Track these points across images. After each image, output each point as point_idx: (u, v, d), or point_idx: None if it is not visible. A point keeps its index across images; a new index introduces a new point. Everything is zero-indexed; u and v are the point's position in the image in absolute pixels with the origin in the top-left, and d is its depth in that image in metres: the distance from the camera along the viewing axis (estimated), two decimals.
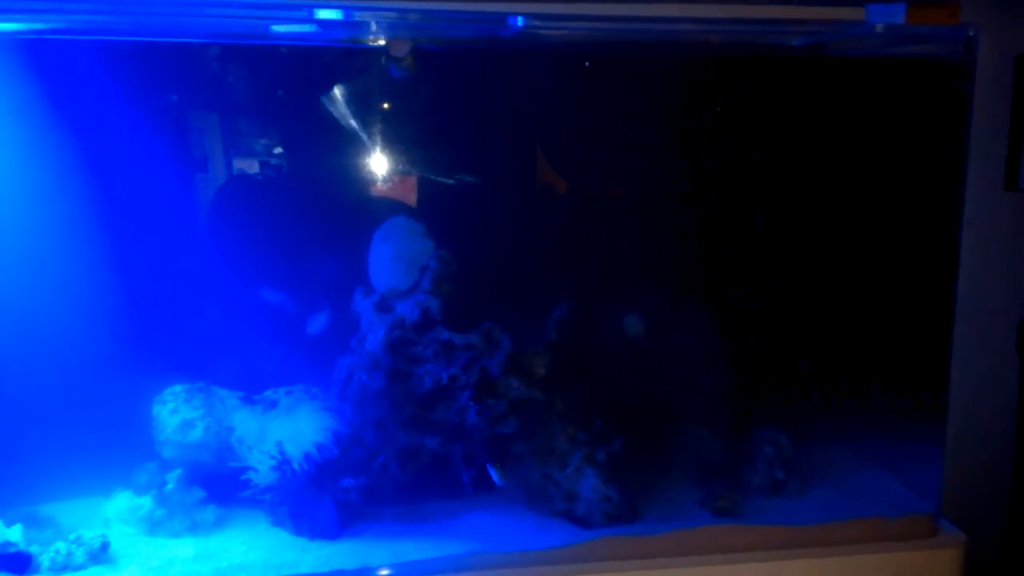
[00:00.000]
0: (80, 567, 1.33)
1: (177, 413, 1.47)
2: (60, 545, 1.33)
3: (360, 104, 1.44)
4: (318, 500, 1.43)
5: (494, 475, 1.46)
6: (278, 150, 1.54)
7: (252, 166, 1.52)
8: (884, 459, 1.59)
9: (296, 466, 1.41)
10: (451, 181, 1.53)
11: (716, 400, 1.57)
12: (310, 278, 1.54)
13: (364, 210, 1.52)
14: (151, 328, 1.51)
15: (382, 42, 1.34)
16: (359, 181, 1.51)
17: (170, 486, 1.45)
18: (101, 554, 1.35)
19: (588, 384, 1.50)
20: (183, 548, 1.40)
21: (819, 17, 1.47)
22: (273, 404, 1.50)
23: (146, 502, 1.44)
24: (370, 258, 1.48)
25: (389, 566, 1.37)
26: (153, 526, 1.44)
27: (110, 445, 1.48)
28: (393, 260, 1.45)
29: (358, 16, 1.32)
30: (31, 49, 1.42)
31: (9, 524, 1.37)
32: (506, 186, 1.56)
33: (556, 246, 1.55)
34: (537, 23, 1.37)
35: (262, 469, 1.42)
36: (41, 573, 1.30)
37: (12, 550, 1.27)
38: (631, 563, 1.41)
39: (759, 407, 1.59)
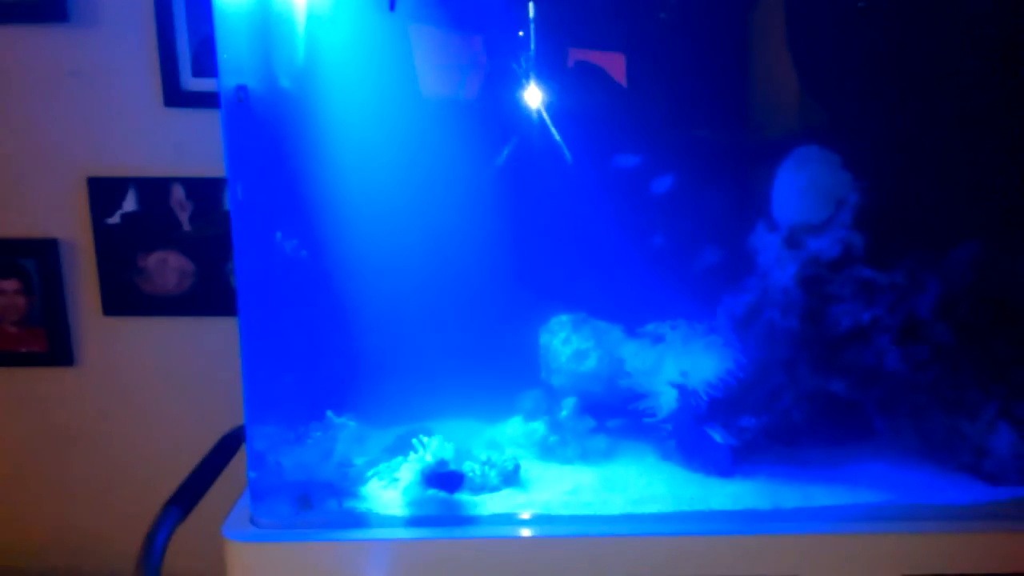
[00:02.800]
0: (495, 488, 1.38)
1: (569, 343, 1.48)
2: (475, 466, 1.38)
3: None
4: (715, 438, 1.41)
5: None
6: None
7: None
8: None
9: (700, 398, 1.39)
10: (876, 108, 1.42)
11: None
12: (700, 212, 1.49)
13: (766, 137, 1.44)
14: (533, 261, 1.52)
15: None
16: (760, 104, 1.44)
17: (564, 413, 1.47)
18: (513, 476, 1.39)
19: (1003, 332, 1.39)
20: (582, 475, 1.42)
21: None
22: (660, 338, 1.48)
23: (539, 427, 1.48)
24: (775, 189, 1.41)
25: (794, 510, 1.34)
26: (546, 451, 1.47)
27: (493, 372, 1.52)
28: (806, 191, 1.37)
29: None
30: None
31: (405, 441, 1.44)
32: (932, 118, 1.43)
33: (973, 186, 1.42)
34: None
35: (664, 399, 1.42)
36: (464, 488, 1.36)
37: (447, 469, 1.32)
38: None
39: None
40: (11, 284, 1.95)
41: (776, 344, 1.37)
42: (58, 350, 1.97)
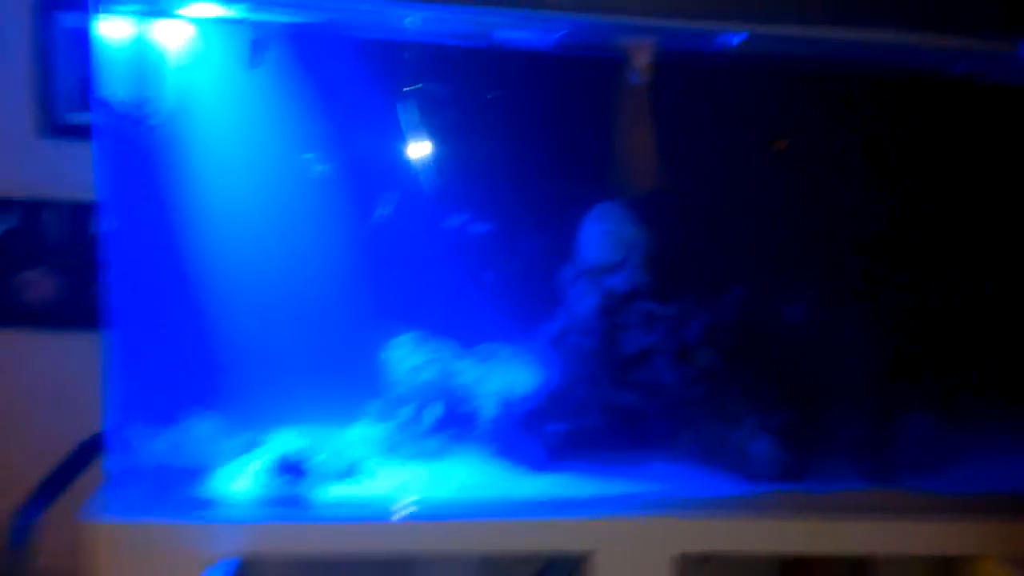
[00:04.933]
0: (336, 478, 1.57)
1: (410, 357, 1.71)
2: (321, 459, 1.57)
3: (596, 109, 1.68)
4: (530, 438, 1.66)
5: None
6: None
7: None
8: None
9: (515, 406, 1.64)
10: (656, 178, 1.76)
11: (872, 383, 1.79)
12: (521, 253, 1.77)
13: (576, 195, 1.75)
14: (385, 287, 1.76)
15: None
16: (575, 171, 1.75)
17: (402, 418, 1.69)
18: (353, 468, 1.59)
19: (761, 360, 1.73)
20: (416, 470, 1.64)
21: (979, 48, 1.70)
22: (489, 355, 1.73)
23: (381, 431, 1.69)
24: (581, 236, 1.72)
25: (590, 498, 1.60)
26: (387, 451, 1.68)
27: (347, 383, 1.73)
28: (605, 238, 1.67)
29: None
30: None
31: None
32: (701, 187, 1.79)
33: (738, 241, 1.78)
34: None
35: (486, 408, 1.66)
36: (309, 478, 1.54)
37: (294, 459, 1.50)
38: (794, 515, 1.64)
39: (911, 391, 1.80)
40: None
41: (579, 362, 1.65)
42: None
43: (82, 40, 1.95)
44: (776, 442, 1.67)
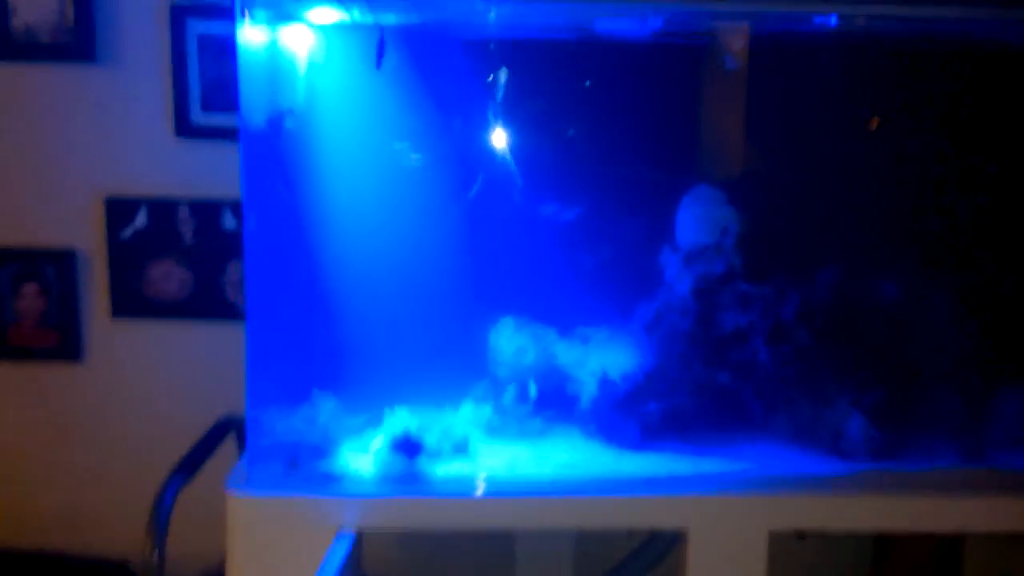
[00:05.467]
0: (447, 456, 1.69)
1: (512, 341, 1.81)
2: (433, 438, 1.70)
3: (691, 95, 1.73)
4: (626, 418, 1.74)
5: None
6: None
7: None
8: None
9: (612, 388, 1.72)
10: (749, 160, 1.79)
11: (966, 362, 1.78)
12: (619, 239, 1.84)
13: (672, 180, 1.80)
14: (488, 276, 1.87)
15: None
16: (671, 157, 1.81)
17: (505, 400, 1.80)
18: (463, 447, 1.71)
19: (855, 339, 1.75)
20: (519, 449, 1.75)
21: None
22: (587, 338, 1.82)
23: (486, 411, 1.80)
24: (677, 220, 1.77)
25: (684, 476, 1.67)
26: (491, 431, 1.79)
27: (455, 366, 1.85)
28: (699, 220, 1.72)
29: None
30: None
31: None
32: (793, 168, 1.81)
33: (830, 221, 1.79)
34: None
35: (584, 390, 1.75)
36: (423, 456, 1.67)
37: (410, 438, 1.64)
38: (886, 493, 1.67)
39: (1004, 369, 1.79)
40: (32, 288, 2.23)
41: (674, 344, 1.71)
42: (69, 347, 2.26)
43: (213, 46, 2.13)
44: (869, 421, 1.69)
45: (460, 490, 1.62)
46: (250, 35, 1.59)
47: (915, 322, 1.78)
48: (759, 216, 1.74)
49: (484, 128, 1.82)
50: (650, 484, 1.64)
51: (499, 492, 1.62)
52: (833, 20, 1.65)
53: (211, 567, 2.21)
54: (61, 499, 2.35)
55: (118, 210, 2.21)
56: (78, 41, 2.12)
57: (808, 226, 1.77)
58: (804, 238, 1.77)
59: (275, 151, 1.70)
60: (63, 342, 2.26)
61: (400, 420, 1.69)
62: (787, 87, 1.76)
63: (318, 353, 1.77)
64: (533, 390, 1.79)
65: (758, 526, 1.62)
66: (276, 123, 1.69)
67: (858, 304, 1.75)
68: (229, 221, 2.21)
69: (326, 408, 1.70)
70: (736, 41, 1.59)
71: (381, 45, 1.62)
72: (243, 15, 1.56)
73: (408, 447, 1.64)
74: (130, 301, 2.25)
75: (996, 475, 1.68)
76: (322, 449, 1.66)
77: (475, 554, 2.15)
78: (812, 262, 1.76)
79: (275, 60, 1.70)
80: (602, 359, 1.76)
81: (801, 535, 1.70)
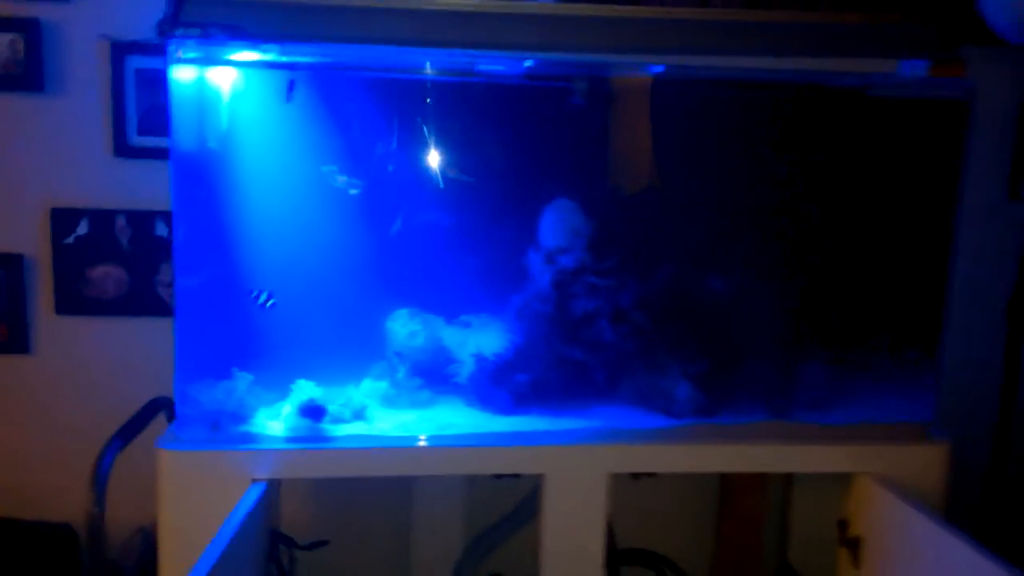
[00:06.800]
0: (347, 420, 2.03)
1: (405, 327, 2.16)
2: (335, 406, 2.03)
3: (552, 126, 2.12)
4: (499, 388, 2.10)
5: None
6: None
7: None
8: (894, 383, 2.20)
9: (487, 364, 2.08)
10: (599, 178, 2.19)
11: (773, 339, 2.20)
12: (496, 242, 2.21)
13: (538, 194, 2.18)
14: (385, 271, 2.21)
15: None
16: (538, 175, 2.19)
17: (399, 375, 2.14)
18: (361, 414, 2.05)
19: (684, 321, 2.15)
20: (408, 415, 2.09)
21: (864, 69, 2.09)
22: (468, 324, 2.18)
23: (383, 385, 2.14)
24: (540, 225, 2.15)
25: (544, 432, 2.04)
26: (387, 401, 2.13)
27: (356, 348, 2.19)
28: (559, 226, 2.11)
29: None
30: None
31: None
32: (634, 185, 2.21)
33: (665, 228, 2.20)
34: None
35: (465, 366, 2.11)
36: (326, 419, 2.00)
37: (316, 403, 1.97)
38: (706, 441, 2.05)
39: (804, 345, 2.21)
40: None
41: (538, 326, 2.09)
42: (18, 341, 2.53)
43: (149, 78, 2.45)
44: (695, 387, 2.09)
45: (358, 443, 1.96)
46: (180, 71, 1.92)
47: (733, 308, 2.19)
48: (606, 222, 2.13)
49: (383, 152, 2.17)
50: (516, 437, 2.01)
51: (391, 443, 1.96)
52: (660, 68, 2.06)
53: (147, 527, 2.50)
54: (12, 474, 2.60)
55: (62, 219, 2.50)
56: (28, 73, 2.42)
57: (646, 230, 2.17)
58: (643, 240, 2.16)
59: (201, 169, 2.02)
60: (12, 337, 2.53)
61: (307, 391, 2.02)
62: (627, 120, 2.16)
63: (238, 340, 2.08)
64: (422, 367, 2.14)
65: (601, 470, 1.99)
66: (202, 145, 2.01)
67: (686, 293, 2.15)
68: (161, 229, 2.52)
69: (244, 383, 2.01)
70: (586, 84, 1.99)
71: (291, 82, 1.97)
72: (174, 54, 1.90)
73: (313, 411, 1.97)
74: (73, 300, 2.53)
75: (797, 427, 2.09)
76: (240, 416, 1.98)
77: (377, 518, 2.50)
78: (650, 259, 2.16)
79: (202, 92, 2.02)
80: (480, 341, 2.13)
81: (635, 476, 2.10)
